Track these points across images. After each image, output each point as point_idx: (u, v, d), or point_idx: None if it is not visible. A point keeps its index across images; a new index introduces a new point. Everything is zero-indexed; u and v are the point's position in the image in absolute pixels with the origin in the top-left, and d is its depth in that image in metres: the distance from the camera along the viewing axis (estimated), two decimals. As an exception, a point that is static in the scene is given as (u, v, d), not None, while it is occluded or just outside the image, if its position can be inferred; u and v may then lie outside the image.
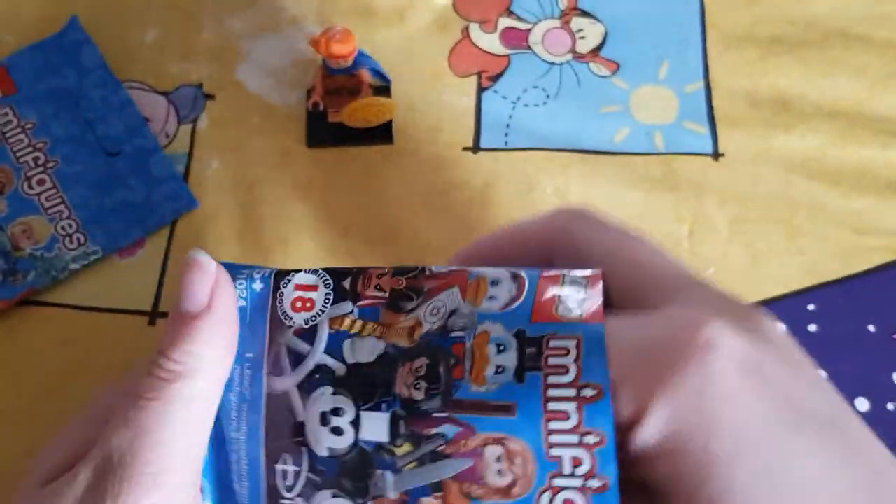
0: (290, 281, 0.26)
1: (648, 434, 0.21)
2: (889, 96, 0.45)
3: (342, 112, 0.42)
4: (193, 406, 0.24)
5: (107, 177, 0.43)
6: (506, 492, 0.22)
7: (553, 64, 0.46)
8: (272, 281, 0.26)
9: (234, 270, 0.26)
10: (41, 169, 0.42)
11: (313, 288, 0.26)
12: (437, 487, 0.23)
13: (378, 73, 0.44)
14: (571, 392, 0.22)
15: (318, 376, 0.25)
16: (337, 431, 0.24)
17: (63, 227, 0.41)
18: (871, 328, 0.40)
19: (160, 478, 0.23)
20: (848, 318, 0.40)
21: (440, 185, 0.43)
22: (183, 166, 0.43)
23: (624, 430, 0.22)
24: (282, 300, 0.26)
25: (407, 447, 0.24)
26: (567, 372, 0.22)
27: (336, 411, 0.24)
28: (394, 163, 0.44)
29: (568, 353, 0.22)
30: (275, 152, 0.44)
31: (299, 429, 0.25)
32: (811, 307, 0.40)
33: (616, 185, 0.43)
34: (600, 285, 0.23)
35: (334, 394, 0.24)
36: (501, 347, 0.23)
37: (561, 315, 0.23)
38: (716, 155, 0.44)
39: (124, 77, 0.45)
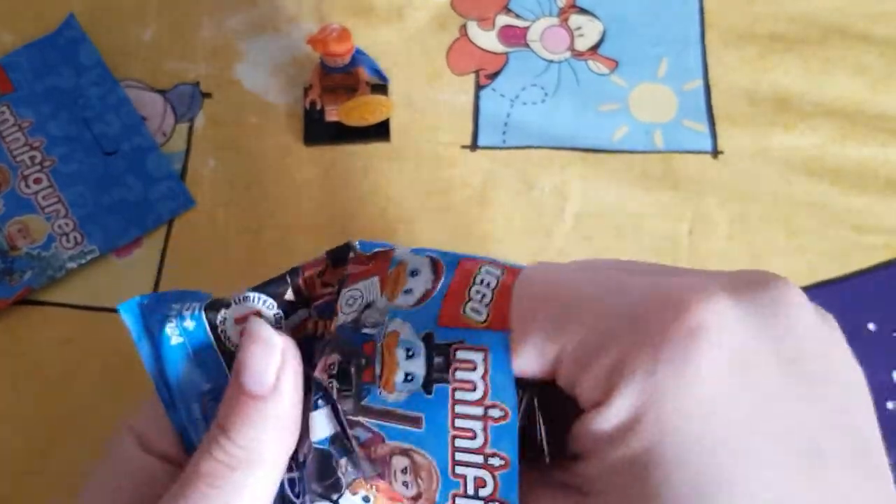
0: (226, 318, 0.25)
1: (605, 421, 0.19)
2: (889, 95, 0.44)
3: (340, 110, 0.42)
4: (254, 494, 0.23)
5: (104, 175, 0.42)
6: (412, 502, 0.22)
7: (551, 62, 0.46)
8: (205, 320, 0.25)
9: (158, 306, 0.25)
10: (38, 168, 0.42)
11: (256, 313, 0.25)
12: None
13: (376, 72, 0.44)
14: (479, 411, 0.21)
15: None
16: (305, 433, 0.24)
17: (60, 226, 0.41)
18: (871, 326, 0.40)
19: None
20: (848, 316, 0.40)
21: (438, 184, 0.43)
22: (180, 165, 0.43)
23: (591, 406, 0.20)
24: (227, 336, 0.25)
25: (338, 443, 0.24)
26: (475, 389, 0.21)
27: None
28: (391, 161, 0.43)
29: (475, 367, 0.21)
30: (272, 151, 0.44)
31: None
32: (811, 306, 0.40)
33: (615, 183, 0.43)
34: (513, 279, 0.22)
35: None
36: (410, 353, 0.22)
37: (467, 316, 0.22)
38: (715, 153, 0.43)
39: (121, 75, 0.45)
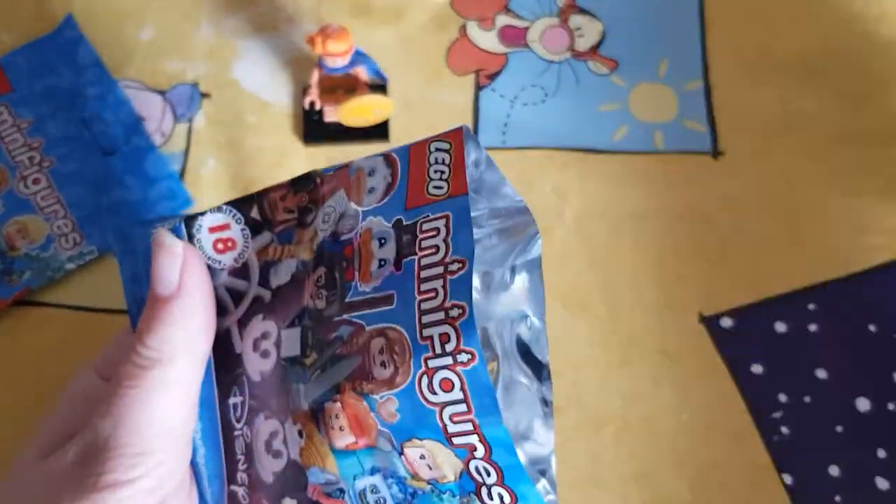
0: (201, 226, 0.26)
1: None
2: (890, 95, 0.44)
3: (339, 111, 0.42)
4: (172, 389, 0.25)
5: (103, 176, 0.42)
6: (390, 382, 0.22)
7: (551, 62, 0.46)
8: (184, 229, 0.26)
9: (147, 225, 0.27)
10: (37, 168, 0.42)
11: (226, 227, 0.26)
12: (336, 390, 0.23)
13: (375, 72, 0.44)
14: (440, 270, 0.22)
15: (251, 308, 0.26)
16: (265, 354, 0.25)
17: (59, 227, 0.41)
18: (872, 328, 0.40)
19: (141, 458, 0.24)
20: (849, 317, 0.40)
21: (438, 184, 0.43)
22: (179, 165, 0.43)
23: None
24: (202, 245, 0.26)
25: (313, 356, 0.24)
26: (437, 251, 0.22)
27: (265, 335, 0.25)
28: (391, 162, 0.43)
29: (438, 232, 0.22)
30: (271, 151, 0.44)
31: (239, 360, 0.26)
32: (812, 306, 0.40)
33: (615, 183, 0.43)
34: (461, 146, 0.23)
35: (263, 319, 0.25)
36: (383, 241, 0.23)
37: (431, 195, 0.23)
38: (716, 154, 0.43)
39: (120, 76, 0.45)
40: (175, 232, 0.26)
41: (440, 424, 0.22)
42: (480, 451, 0.22)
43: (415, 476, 0.23)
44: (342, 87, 0.43)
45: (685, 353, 0.39)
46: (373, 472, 0.24)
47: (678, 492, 0.37)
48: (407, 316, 0.22)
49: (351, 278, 0.24)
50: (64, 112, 0.44)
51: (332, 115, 0.43)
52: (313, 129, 0.44)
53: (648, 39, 0.46)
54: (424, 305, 0.22)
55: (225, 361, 0.26)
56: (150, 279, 0.25)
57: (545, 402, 0.27)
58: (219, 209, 0.26)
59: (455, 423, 0.22)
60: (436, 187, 0.23)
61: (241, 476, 0.26)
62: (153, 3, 0.47)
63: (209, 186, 0.43)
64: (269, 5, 0.47)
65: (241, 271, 0.26)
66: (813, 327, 0.40)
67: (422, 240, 0.23)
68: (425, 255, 0.22)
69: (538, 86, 0.45)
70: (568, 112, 0.44)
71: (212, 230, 0.26)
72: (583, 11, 0.47)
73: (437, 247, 0.22)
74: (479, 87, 0.45)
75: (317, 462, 0.24)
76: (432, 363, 0.22)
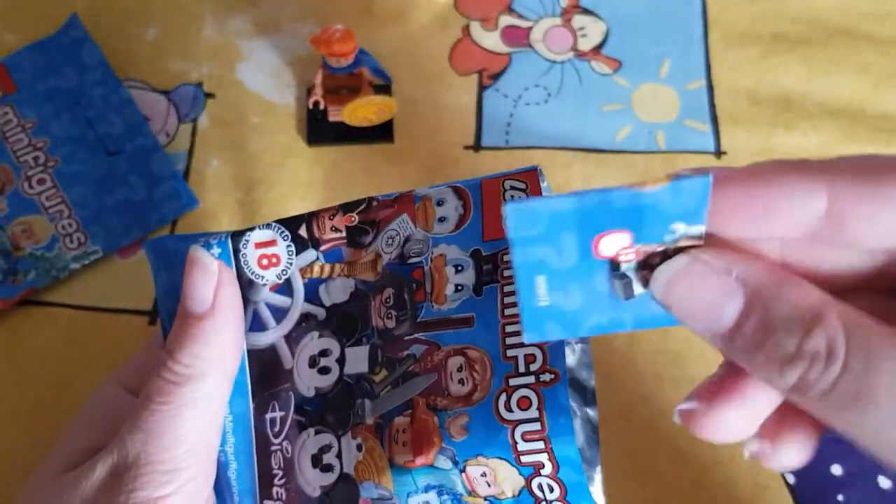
0: (248, 241, 0.26)
1: None
2: (892, 94, 0.44)
3: (342, 111, 0.42)
4: (202, 406, 0.25)
5: (107, 176, 0.42)
6: (467, 398, 0.24)
7: (554, 62, 0.46)
8: (230, 244, 0.26)
9: (189, 240, 0.27)
10: (41, 168, 0.42)
11: (272, 243, 0.26)
12: (407, 405, 0.24)
13: (379, 72, 0.44)
14: None
15: (303, 324, 0.26)
16: (324, 371, 0.26)
17: (63, 227, 0.41)
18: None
19: (172, 475, 0.24)
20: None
21: (441, 184, 0.43)
22: (183, 165, 0.43)
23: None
24: (246, 261, 0.26)
25: (383, 373, 0.25)
26: None
27: (324, 353, 0.26)
28: (394, 161, 0.43)
29: None
30: (275, 151, 0.44)
31: (287, 375, 0.26)
32: (814, 306, 0.40)
33: (618, 183, 0.43)
34: (538, 185, 0.24)
35: (320, 337, 0.26)
36: (459, 268, 0.25)
37: None
38: (718, 153, 0.43)
39: (125, 76, 0.45)
40: (220, 246, 0.26)
41: (511, 442, 0.23)
42: (548, 469, 0.23)
43: (472, 493, 0.24)
44: (346, 87, 0.43)
45: (687, 352, 0.39)
46: (427, 489, 0.24)
47: (680, 490, 0.37)
48: (489, 337, 0.24)
49: (422, 299, 0.25)
50: (68, 112, 0.44)
51: (336, 115, 0.43)
52: (317, 129, 0.44)
53: (651, 40, 0.46)
54: (510, 328, 0.24)
55: (267, 377, 0.26)
56: (182, 294, 0.25)
57: (592, 426, 0.27)
58: (268, 226, 0.26)
59: (526, 441, 0.23)
60: None
61: (278, 491, 0.26)
62: (158, 4, 0.47)
63: (213, 186, 0.43)
64: (273, 6, 0.47)
65: (282, 288, 0.26)
66: (815, 326, 0.40)
67: (503, 269, 0.24)
68: (509, 283, 0.24)
69: (541, 86, 0.45)
70: (571, 112, 0.44)
71: (258, 245, 0.26)
72: (586, 12, 0.47)
73: None
74: (482, 87, 0.45)
75: (372, 477, 0.25)
76: (514, 381, 0.23)
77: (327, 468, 0.25)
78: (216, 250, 0.26)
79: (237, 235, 0.26)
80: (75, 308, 0.40)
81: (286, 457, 0.26)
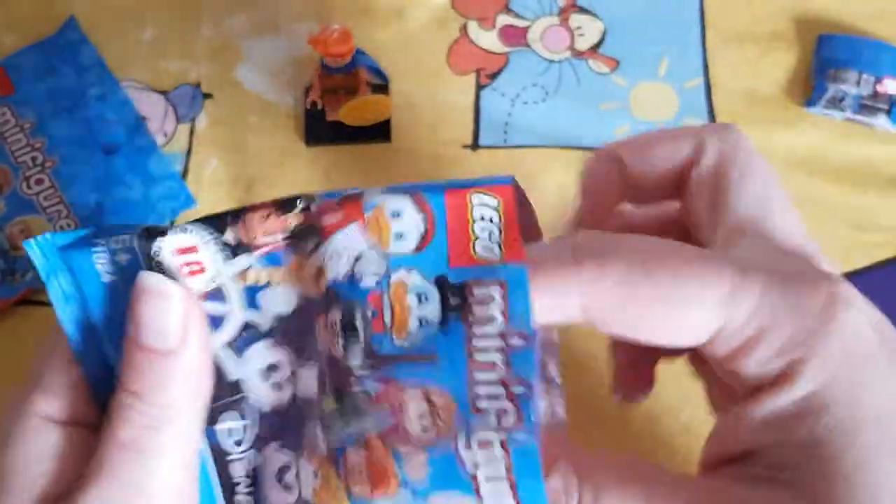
0: (160, 249, 0.23)
1: (800, 388, 0.20)
2: (890, 92, 0.44)
3: (340, 110, 0.42)
4: (183, 448, 0.23)
5: (105, 176, 0.42)
6: (428, 442, 0.22)
7: (552, 61, 0.46)
8: (138, 251, 0.23)
9: (87, 243, 0.23)
10: (39, 168, 0.42)
11: (193, 249, 0.23)
12: (362, 441, 0.22)
13: (376, 72, 0.44)
14: (498, 342, 0.21)
15: (245, 333, 0.24)
16: (277, 387, 0.24)
17: (61, 227, 0.41)
18: (873, 325, 0.40)
19: None
20: (849, 314, 0.40)
21: (439, 184, 0.43)
22: (181, 165, 0.43)
23: (762, 385, 0.21)
24: (163, 269, 0.23)
25: (332, 403, 0.23)
26: (493, 321, 0.21)
27: (273, 367, 0.24)
28: (392, 161, 0.43)
29: (493, 299, 0.21)
30: (273, 151, 0.44)
31: (236, 386, 0.24)
32: (812, 304, 0.40)
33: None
34: (513, 205, 0.22)
35: (269, 348, 0.24)
36: (423, 297, 0.22)
37: (480, 256, 0.22)
38: (716, 152, 0.43)
39: (122, 76, 0.45)
40: (127, 252, 0.23)
41: (473, 485, 0.21)
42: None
43: None
44: (344, 86, 0.43)
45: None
46: None
47: None
48: (455, 381, 0.22)
49: (380, 330, 0.22)
50: (66, 113, 0.44)
51: (333, 114, 0.43)
52: (315, 128, 0.44)
53: (648, 38, 0.46)
54: (480, 376, 0.21)
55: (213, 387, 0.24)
56: (128, 325, 0.22)
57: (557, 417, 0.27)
58: (184, 229, 0.23)
59: (489, 481, 0.21)
60: (485, 248, 0.22)
61: (242, 499, 0.24)
62: (155, 4, 0.47)
63: (211, 186, 0.43)
64: (271, 6, 0.47)
65: (213, 294, 0.24)
66: (814, 325, 0.40)
67: (472, 304, 0.22)
68: (479, 323, 0.21)
69: (539, 85, 0.45)
70: (569, 111, 0.44)
71: (180, 252, 0.23)
72: (583, 11, 0.47)
73: (493, 317, 0.21)
74: (479, 87, 0.45)
75: None
76: (483, 435, 0.21)
77: (287, 487, 0.24)
78: (123, 256, 0.23)
79: (147, 239, 0.23)
80: (73, 308, 0.40)
81: (254, 466, 0.24)
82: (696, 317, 0.21)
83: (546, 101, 0.45)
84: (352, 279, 0.22)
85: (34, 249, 0.23)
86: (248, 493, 0.24)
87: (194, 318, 0.23)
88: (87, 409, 0.24)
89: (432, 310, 0.22)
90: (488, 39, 0.46)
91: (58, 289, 0.23)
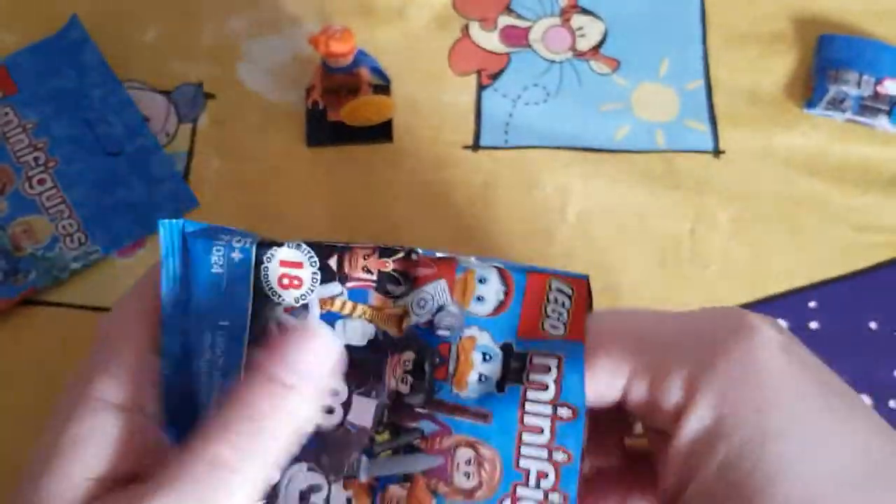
0: (273, 256, 0.25)
1: (702, 414, 0.22)
2: (890, 93, 0.44)
3: (342, 111, 0.42)
4: (260, 479, 0.23)
5: (107, 176, 0.43)
6: (470, 493, 0.24)
7: (553, 62, 0.46)
8: (253, 253, 0.25)
9: (211, 235, 0.26)
10: (42, 168, 0.42)
11: (299, 265, 0.25)
12: (407, 478, 0.24)
13: (378, 72, 0.44)
14: (548, 410, 0.24)
15: None
16: (329, 410, 0.25)
17: (64, 227, 0.41)
18: (873, 325, 0.40)
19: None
20: (849, 315, 0.40)
21: (440, 184, 0.43)
22: (183, 166, 0.44)
23: (673, 420, 0.22)
24: (267, 275, 0.25)
25: (386, 436, 0.25)
26: (546, 389, 0.24)
27: (332, 391, 0.25)
28: (394, 162, 0.43)
29: (549, 370, 0.24)
30: (275, 151, 0.44)
31: None
32: (812, 304, 0.40)
33: (617, 182, 0.43)
34: (585, 294, 0.25)
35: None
36: (487, 357, 0.24)
37: (546, 332, 0.24)
38: (717, 152, 0.44)
39: (125, 76, 0.45)
40: (242, 252, 0.25)
41: None
42: None
43: None
44: (345, 87, 0.43)
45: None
46: None
47: None
48: (504, 440, 0.24)
49: (443, 378, 0.25)
50: (69, 113, 0.44)
51: (335, 115, 0.43)
52: (317, 129, 0.44)
53: (650, 39, 0.46)
54: (527, 438, 0.24)
55: None
56: (288, 359, 0.23)
57: None
58: (297, 246, 0.25)
59: None
60: (552, 326, 0.24)
61: None
62: (158, 4, 0.47)
63: (213, 186, 0.43)
64: (273, 6, 0.47)
65: (297, 311, 0.26)
66: (814, 325, 0.40)
67: (531, 372, 0.24)
68: (533, 389, 0.24)
69: (540, 85, 0.45)
70: (570, 112, 0.45)
71: (283, 264, 0.25)
72: (584, 11, 0.47)
73: (547, 385, 0.24)
74: (481, 87, 0.45)
75: None
76: (521, 492, 0.23)
77: None
78: (237, 255, 0.25)
79: (263, 246, 0.25)
80: (76, 308, 0.41)
81: (271, 482, 0.25)
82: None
83: (547, 102, 0.45)
84: (430, 326, 0.25)
85: (164, 228, 0.26)
86: None
87: (326, 366, 0.23)
88: (146, 396, 0.25)
89: (493, 369, 0.24)
90: (489, 40, 0.47)
91: (170, 268, 0.25)
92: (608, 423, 0.26)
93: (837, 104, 0.43)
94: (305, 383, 0.23)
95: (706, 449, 0.22)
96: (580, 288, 0.25)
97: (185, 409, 0.26)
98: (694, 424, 0.22)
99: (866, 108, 0.43)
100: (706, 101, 0.45)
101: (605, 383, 0.23)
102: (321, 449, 0.25)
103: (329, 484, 0.25)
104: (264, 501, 0.25)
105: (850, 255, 0.41)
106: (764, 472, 0.21)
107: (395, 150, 0.44)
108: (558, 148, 0.44)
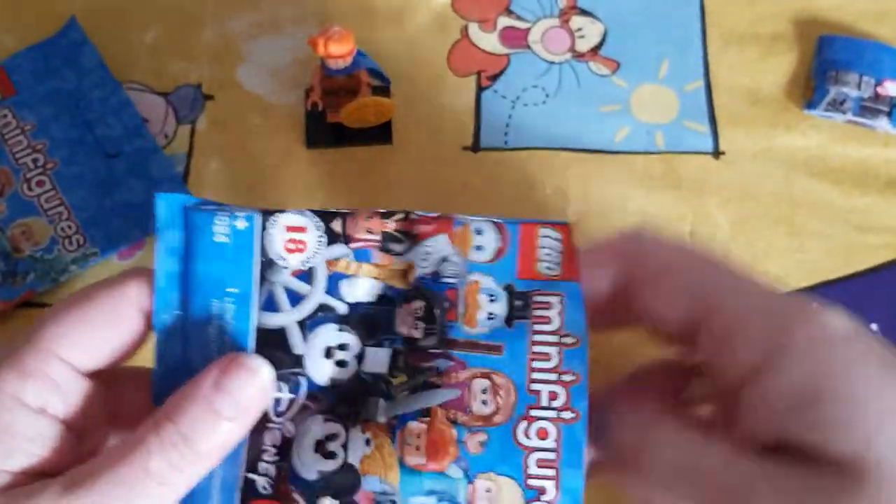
0: (276, 221, 0.27)
1: (790, 371, 0.23)
2: (890, 94, 0.44)
3: (341, 112, 0.42)
4: (183, 490, 0.25)
5: (106, 178, 0.42)
6: (488, 419, 0.26)
7: (552, 63, 0.46)
8: (259, 220, 0.26)
9: (215, 207, 0.27)
10: (40, 170, 0.42)
11: (302, 229, 0.27)
12: (425, 413, 0.26)
13: (377, 73, 0.44)
14: (554, 338, 0.26)
15: (321, 314, 0.27)
16: (341, 364, 0.27)
17: (63, 229, 0.41)
18: (874, 327, 0.40)
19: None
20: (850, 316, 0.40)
21: (440, 185, 0.43)
22: (182, 167, 0.43)
23: (753, 373, 0.24)
24: (271, 240, 0.27)
25: (402, 378, 0.27)
26: (550, 322, 0.26)
27: (342, 346, 0.27)
28: (393, 163, 0.43)
29: (551, 306, 0.26)
30: (274, 152, 0.44)
31: (297, 361, 0.27)
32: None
33: (617, 184, 0.43)
34: (571, 238, 0.27)
35: (340, 330, 0.27)
36: (492, 297, 0.27)
37: (543, 273, 0.27)
38: (716, 153, 0.44)
39: (123, 78, 0.45)
40: (247, 220, 0.26)
41: (523, 465, 0.26)
42: (550, 495, 0.25)
43: None
44: (344, 88, 0.43)
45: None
46: (429, 493, 0.26)
47: None
48: (515, 368, 0.26)
49: (453, 318, 0.27)
50: (68, 114, 0.44)
51: (334, 116, 0.43)
52: (316, 130, 0.44)
53: (649, 40, 0.46)
54: (536, 364, 0.26)
55: (271, 358, 0.26)
56: (211, 388, 0.24)
57: None
58: (300, 212, 0.27)
59: (539, 467, 0.26)
60: (548, 268, 0.27)
61: (266, 467, 0.26)
62: (157, 6, 0.47)
63: (212, 188, 0.43)
64: (272, 7, 0.47)
65: (304, 275, 0.27)
66: (814, 327, 0.40)
67: (534, 308, 0.26)
68: (538, 322, 0.26)
69: (539, 87, 0.45)
70: (569, 113, 0.44)
71: (289, 229, 0.27)
72: (584, 13, 0.47)
73: (550, 318, 0.26)
74: (480, 89, 0.45)
75: (379, 472, 0.26)
76: (535, 412, 0.26)
77: (330, 455, 0.26)
78: (242, 223, 0.26)
79: (267, 213, 0.27)
80: (74, 310, 0.40)
81: (286, 437, 0.26)
82: None
83: (547, 103, 0.45)
84: (435, 276, 0.27)
85: (161, 202, 0.26)
86: (273, 463, 0.26)
87: (266, 403, 0.26)
88: (105, 365, 0.26)
89: (500, 307, 0.27)
90: (489, 41, 0.46)
91: (167, 241, 0.26)
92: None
93: (837, 105, 0.43)
94: (244, 417, 0.25)
95: (788, 411, 0.23)
96: (565, 233, 0.27)
97: (176, 380, 0.26)
98: (784, 380, 0.23)
99: (866, 109, 0.43)
100: (706, 102, 0.45)
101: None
102: (337, 400, 0.26)
103: (346, 430, 0.26)
104: (278, 458, 0.26)
105: (850, 256, 0.41)
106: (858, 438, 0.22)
107: (395, 152, 0.44)
108: (558, 149, 0.44)
